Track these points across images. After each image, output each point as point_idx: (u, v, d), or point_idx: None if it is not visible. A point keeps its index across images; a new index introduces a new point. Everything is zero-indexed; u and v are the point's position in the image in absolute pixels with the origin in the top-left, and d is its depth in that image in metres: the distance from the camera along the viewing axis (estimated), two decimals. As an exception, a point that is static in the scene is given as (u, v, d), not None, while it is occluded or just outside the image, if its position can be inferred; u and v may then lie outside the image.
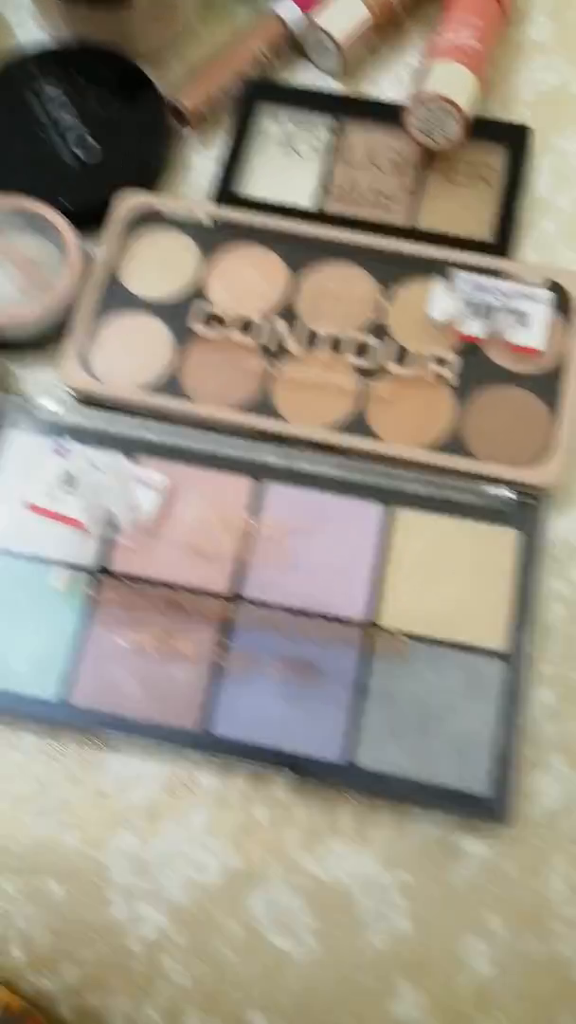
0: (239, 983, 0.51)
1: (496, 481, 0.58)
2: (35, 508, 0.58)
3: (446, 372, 0.61)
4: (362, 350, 0.62)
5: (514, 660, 0.55)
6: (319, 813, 0.53)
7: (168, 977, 0.51)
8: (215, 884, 0.52)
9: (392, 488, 0.59)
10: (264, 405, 0.61)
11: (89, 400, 0.62)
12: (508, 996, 0.51)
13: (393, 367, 0.61)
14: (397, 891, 0.52)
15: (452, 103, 0.64)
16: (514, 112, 0.72)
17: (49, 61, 0.70)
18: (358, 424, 0.60)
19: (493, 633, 0.56)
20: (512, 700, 0.54)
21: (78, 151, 0.67)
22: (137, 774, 0.54)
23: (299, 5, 0.71)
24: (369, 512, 0.59)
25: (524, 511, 0.58)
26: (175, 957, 0.51)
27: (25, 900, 0.52)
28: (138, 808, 0.53)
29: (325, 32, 0.70)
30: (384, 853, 0.53)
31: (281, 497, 0.59)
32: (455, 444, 0.60)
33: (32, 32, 0.74)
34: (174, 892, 0.52)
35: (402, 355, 0.62)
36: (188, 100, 0.69)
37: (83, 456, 0.59)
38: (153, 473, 0.59)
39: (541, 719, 0.55)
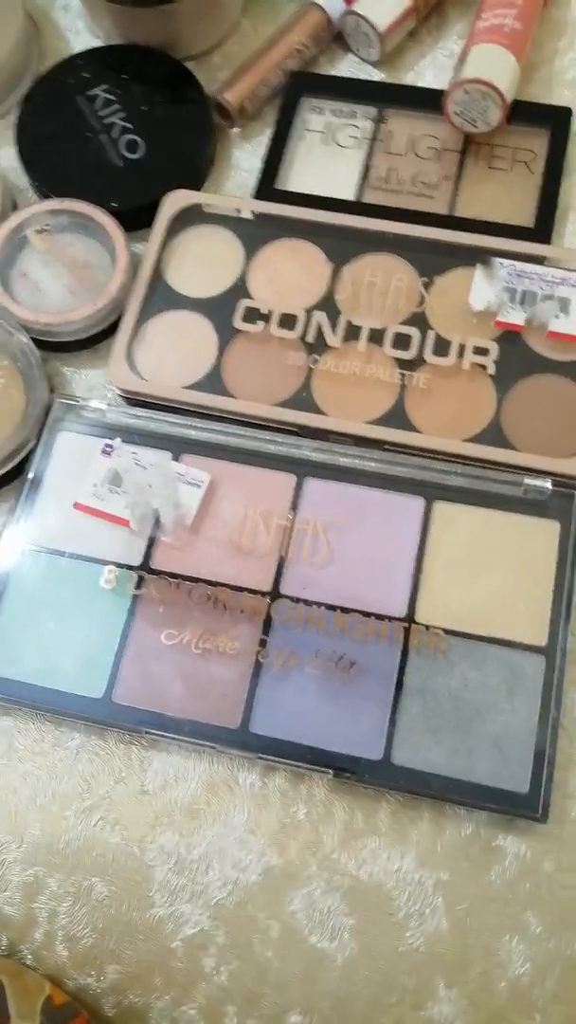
0: (278, 982, 0.42)
1: (536, 472, 0.48)
2: (81, 506, 0.49)
3: (486, 362, 0.50)
4: (402, 342, 0.51)
5: (554, 656, 0.45)
6: (358, 811, 0.44)
7: (208, 976, 0.43)
8: (255, 883, 0.44)
9: (432, 481, 0.49)
10: (304, 400, 0.51)
11: (135, 399, 0.52)
12: (545, 997, 0.42)
13: (432, 358, 0.50)
14: (435, 890, 0.43)
15: (491, 87, 0.52)
16: (556, 94, 0.59)
17: (98, 63, 0.59)
18: (398, 417, 0.50)
19: (533, 628, 0.46)
20: (552, 697, 0.44)
21: (126, 152, 0.57)
22: (178, 772, 0.46)
23: (340, -5, 0.60)
24: (409, 506, 0.48)
25: (566, 503, 0.47)
26: (215, 956, 0.43)
27: (70, 898, 0.44)
28: (180, 806, 0.45)
29: (365, 19, 0.58)
30: (422, 852, 0.44)
31: (321, 492, 0.49)
32: (495, 435, 0.49)
33: (84, 36, 0.63)
34: (214, 891, 0.44)
35: (442, 345, 0.51)
36: (232, 96, 0.58)
37: (128, 455, 0.50)
38: (196, 471, 0.49)
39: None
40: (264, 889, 0.44)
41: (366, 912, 0.43)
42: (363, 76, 0.61)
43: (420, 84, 0.60)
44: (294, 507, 0.49)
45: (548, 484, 0.47)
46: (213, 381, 0.52)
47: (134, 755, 0.46)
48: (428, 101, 0.57)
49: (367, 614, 0.46)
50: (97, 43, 0.63)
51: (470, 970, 0.42)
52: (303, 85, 0.59)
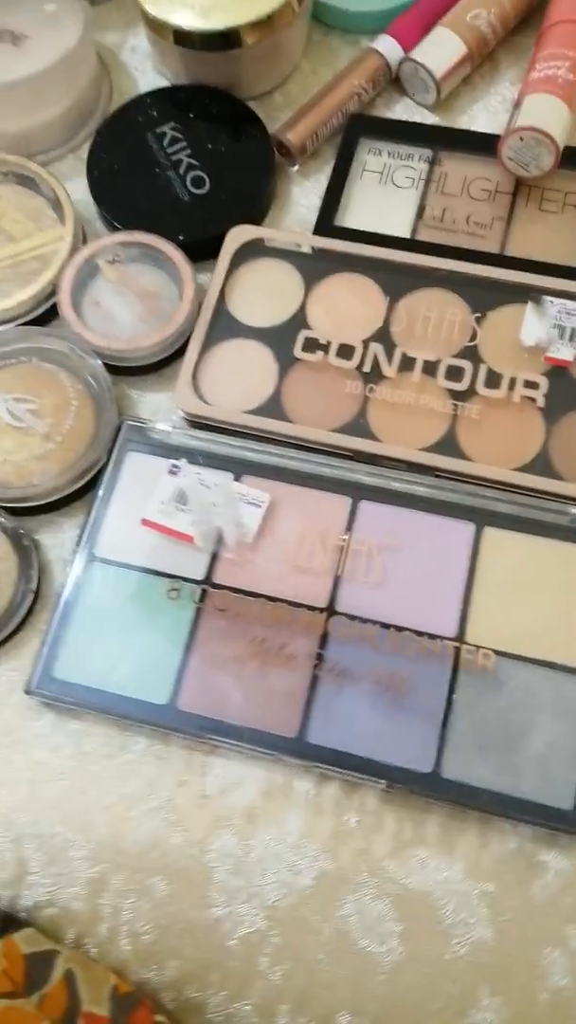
0: (328, 983, 0.44)
1: (583, 501, 0.50)
2: (147, 523, 0.52)
3: (536, 395, 0.52)
4: (455, 373, 0.54)
5: (599, 679, 0.48)
6: (407, 822, 0.46)
7: (263, 975, 0.45)
8: (308, 887, 0.46)
9: (482, 507, 0.51)
10: (360, 427, 0.53)
11: (199, 422, 0.55)
12: (587, 1007, 0.44)
13: (484, 390, 0.53)
14: (480, 901, 0.45)
15: (546, 134, 0.55)
16: (604, 139, 0.62)
17: (165, 102, 0.62)
18: (449, 445, 0.52)
19: (579, 652, 0.48)
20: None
21: (191, 187, 0.60)
22: (237, 778, 0.48)
23: (399, 41, 0.63)
24: (459, 530, 0.51)
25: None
26: (270, 955, 0.45)
27: (133, 895, 0.46)
28: (238, 810, 0.47)
29: (423, 66, 0.61)
30: (468, 863, 0.46)
31: (375, 515, 0.52)
32: (543, 465, 0.51)
33: (151, 76, 0.66)
34: (270, 893, 0.46)
35: (493, 378, 0.53)
36: (293, 136, 0.61)
37: (193, 475, 0.52)
38: (257, 491, 0.52)
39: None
40: (317, 893, 0.46)
41: (414, 919, 0.45)
42: (419, 119, 0.64)
43: (473, 128, 0.63)
44: (349, 528, 0.51)
45: (594, 513, 0.50)
46: (273, 407, 0.54)
47: (196, 761, 0.48)
48: (482, 145, 0.59)
49: (419, 633, 0.49)
50: (163, 83, 0.66)
51: (512, 980, 0.44)
52: (362, 127, 0.62)
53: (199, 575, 0.51)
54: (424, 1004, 0.44)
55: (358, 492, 0.52)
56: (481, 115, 0.63)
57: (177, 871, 0.47)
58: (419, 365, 0.54)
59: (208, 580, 0.51)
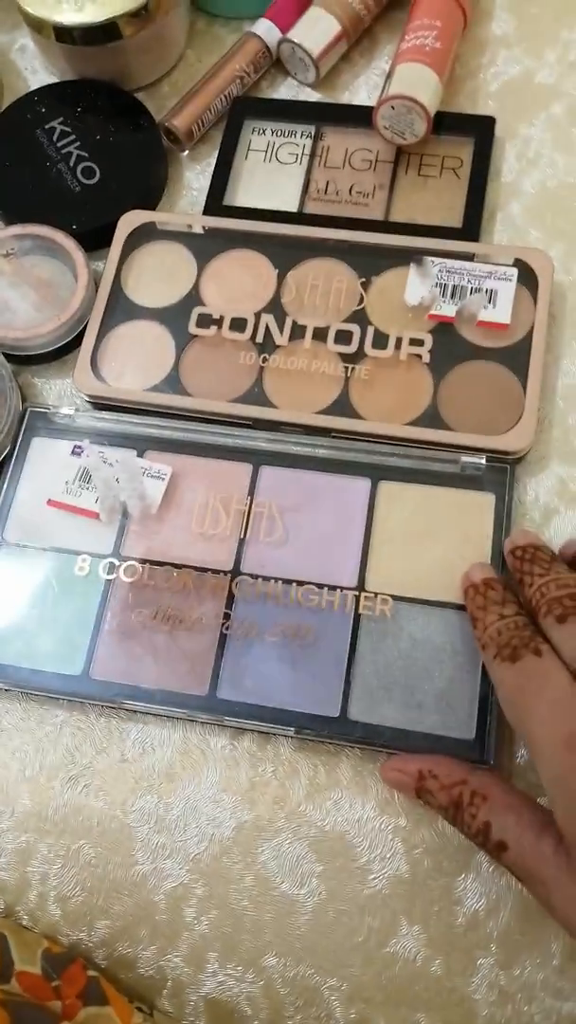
0: (253, 928, 0.46)
1: (472, 450, 0.52)
2: (54, 503, 0.53)
3: (422, 352, 0.54)
4: (344, 338, 0.55)
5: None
6: (321, 767, 0.48)
7: (190, 926, 0.46)
8: (229, 837, 0.47)
9: (376, 464, 0.53)
10: (257, 395, 0.55)
11: (101, 403, 0.56)
12: (500, 930, 0.45)
13: (372, 351, 0.55)
14: (394, 835, 0.47)
15: (416, 101, 0.57)
16: (481, 105, 0.64)
17: (52, 98, 0.64)
18: (343, 406, 0.54)
19: (475, 592, 0.50)
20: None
21: (83, 178, 0.61)
22: (154, 741, 0.49)
23: (276, 24, 0.65)
24: (356, 487, 0.53)
25: (499, 477, 0.52)
26: (195, 907, 0.46)
27: (60, 860, 0.48)
28: (157, 771, 0.49)
29: (299, 46, 0.63)
30: (380, 800, 0.47)
31: (275, 479, 0.53)
32: (433, 418, 0.53)
33: (41, 75, 0.68)
34: (192, 846, 0.47)
35: (380, 339, 0.55)
36: (180, 122, 0.63)
37: (96, 454, 0.54)
38: (159, 465, 0.54)
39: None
40: (237, 843, 0.47)
41: (332, 859, 0.47)
42: (302, 98, 0.66)
43: (355, 102, 0.65)
44: (251, 493, 0.53)
45: (483, 460, 0.52)
46: (172, 383, 0.56)
47: (113, 727, 0.50)
48: (360, 117, 0.61)
49: (320, 586, 0.51)
50: (53, 80, 0.68)
51: (429, 908, 0.46)
52: (245, 109, 0.64)
53: (107, 550, 0.53)
54: (346, 939, 0.46)
55: (258, 458, 0.54)
56: (363, 90, 0.65)
57: (101, 834, 0.48)
58: (309, 332, 0.56)
59: (116, 553, 0.52)
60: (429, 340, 0.55)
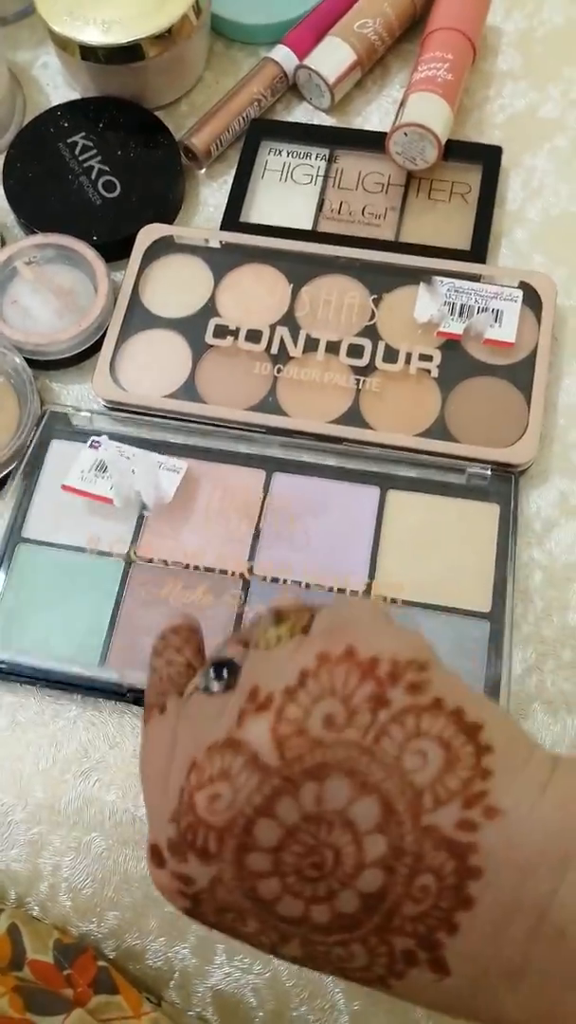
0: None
1: (477, 461, 0.54)
2: (67, 488, 0.55)
3: (430, 367, 0.57)
4: (356, 351, 0.58)
5: (497, 620, 0.51)
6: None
7: (197, 914, 0.48)
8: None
9: (386, 473, 0.55)
10: (271, 404, 0.57)
11: (118, 408, 0.58)
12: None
13: (383, 364, 0.57)
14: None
15: (427, 129, 0.60)
16: (487, 135, 0.66)
17: (76, 114, 0.66)
18: (354, 416, 0.56)
19: (479, 597, 0.51)
20: (496, 656, 0.50)
21: (104, 191, 0.63)
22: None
23: (293, 51, 0.67)
24: (366, 495, 0.55)
25: (504, 488, 0.54)
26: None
27: (72, 852, 0.49)
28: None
29: (316, 72, 0.65)
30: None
31: (288, 485, 0.55)
32: (440, 430, 0.55)
33: (62, 91, 0.70)
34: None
35: (391, 354, 0.57)
36: (198, 141, 0.65)
37: (114, 448, 0.56)
38: (175, 460, 0.55)
39: (523, 674, 0.51)
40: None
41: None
42: (316, 122, 0.68)
43: (367, 128, 0.68)
44: (264, 498, 0.55)
45: (488, 471, 0.54)
46: (188, 390, 0.58)
47: (126, 722, 0.51)
48: (373, 142, 0.64)
49: (331, 589, 0.52)
50: (74, 96, 0.70)
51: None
52: (262, 130, 0.67)
53: (123, 550, 0.54)
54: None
55: (272, 465, 0.56)
56: (375, 116, 0.68)
57: (112, 826, 0.49)
58: (323, 345, 0.58)
59: (133, 553, 0.54)
60: (438, 356, 0.57)
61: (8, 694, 0.52)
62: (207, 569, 0.53)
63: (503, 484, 0.54)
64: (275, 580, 0.53)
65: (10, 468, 0.57)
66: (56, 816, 0.50)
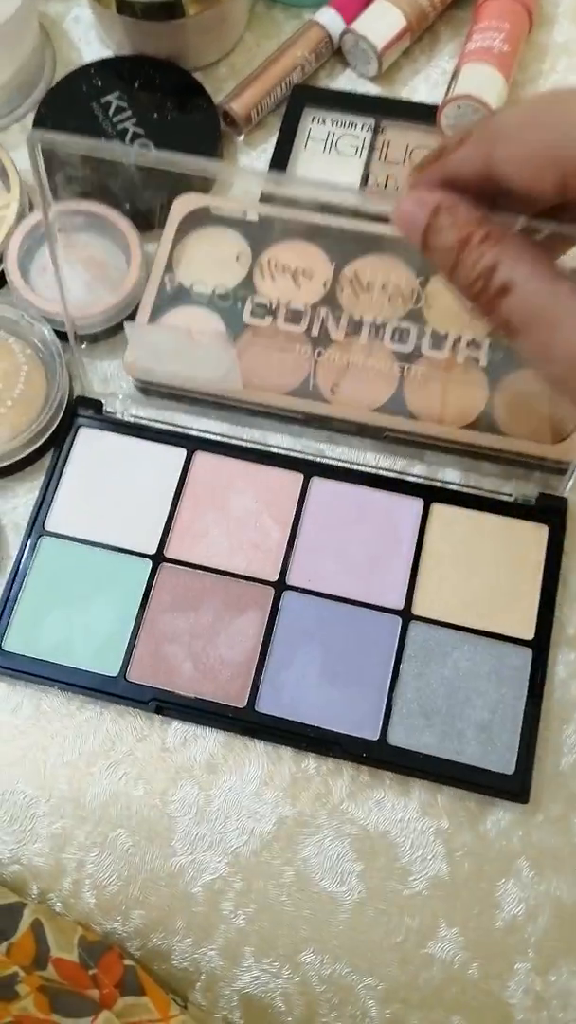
0: (291, 924, 0.46)
1: (525, 456, 0.52)
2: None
3: (479, 355, 0.54)
4: (400, 336, 0.55)
5: (541, 649, 0.49)
6: (363, 765, 0.48)
7: (227, 919, 0.46)
8: (269, 832, 0.47)
9: (429, 485, 0.53)
10: (310, 390, 0.55)
11: (149, 388, 0.56)
12: (538, 935, 0.46)
13: (429, 351, 0.55)
14: (435, 837, 0.47)
15: (481, 102, 0.57)
16: (539, 110, 0.64)
17: (110, 72, 0.63)
18: (397, 405, 0.54)
19: (522, 624, 0.50)
20: (537, 686, 0.48)
21: (138, 156, 0.61)
22: (197, 732, 0.49)
23: (340, 14, 0.64)
24: (408, 506, 0.53)
25: (553, 508, 0.52)
26: (233, 900, 0.47)
27: (96, 848, 0.47)
28: (198, 762, 0.49)
29: (364, 38, 0.62)
30: (422, 802, 0.48)
31: (326, 491, 0.53)
32: (487, 423, 0.53)
33: (95, 47, 0.67)
34: (232, 839, 0.47)
35: (437, 340, 0.55)
36: (238, 106, 0.62)
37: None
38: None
39: (567, 679, 0.50)
40: (278, 838, 0.47)
41: (372, 858, 0.47)
42: (361, 90, 0.65)
43: (414, 98, 0.65)
44: (301, 504, 0.53)
45: (535, 492, 0.52)
46: (224, 371, 0.56)
47: (155, 716, 0.50)
48: (422, 114, 0.61)
49: (367, 605, 0.51)
50: (107, 53, 0.66)
51: (468, 911, 0.46)
52: (305, 97, 0.63)
53: (151, 550, 0.52)
54: (384, 938, 0.46)
55: (310, 469, 0.54)
56: (422, 87, 0.65)
57: (139, 823, 0.48)
58: (366, 328, 0.56)
59: (159, 554, 0.52)
60: (486, 344, 0.55)
61: (29, 687, 0.51)
62: (237, 576, 0.51)
63: (553, 505, 0.52)
64: (307, 592, 0.51)
65: (38, 444, 0.54)
66: (81, 811, 0.48)
